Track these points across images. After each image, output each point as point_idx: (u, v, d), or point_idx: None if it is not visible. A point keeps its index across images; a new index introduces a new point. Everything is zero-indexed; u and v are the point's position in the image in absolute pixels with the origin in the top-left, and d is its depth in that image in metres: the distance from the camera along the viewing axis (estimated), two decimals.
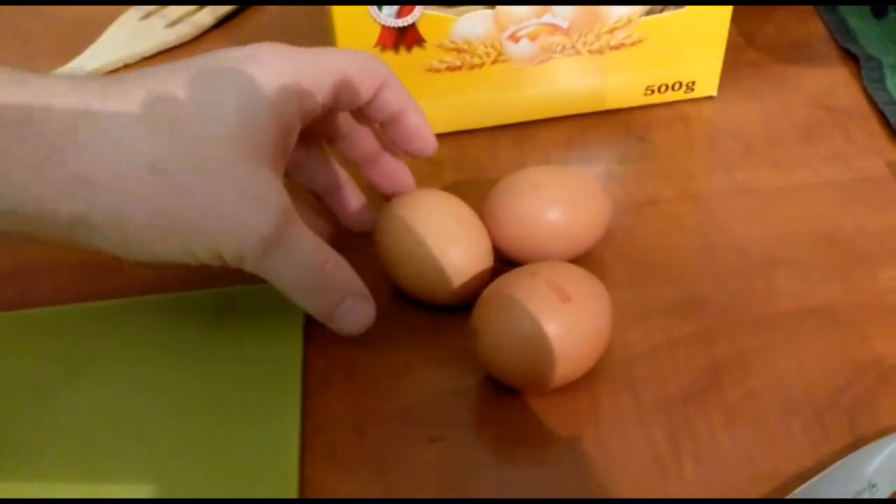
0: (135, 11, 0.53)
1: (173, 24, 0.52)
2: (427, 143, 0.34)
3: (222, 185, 0.27)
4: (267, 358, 0.32)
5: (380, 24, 0.38)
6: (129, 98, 0.28)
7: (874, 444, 0.28)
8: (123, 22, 0.52)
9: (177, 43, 0.51)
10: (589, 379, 0.31)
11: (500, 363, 0.30)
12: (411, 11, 0.38)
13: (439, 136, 0.35)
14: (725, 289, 0.35)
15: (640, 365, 0.32)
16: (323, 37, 0.44)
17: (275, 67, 0.29)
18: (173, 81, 0.28)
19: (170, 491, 0.28)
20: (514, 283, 0.30)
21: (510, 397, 0.31)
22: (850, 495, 0.27)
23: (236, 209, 0.28)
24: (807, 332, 0.33)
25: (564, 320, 0.29)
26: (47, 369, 0.32)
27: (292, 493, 0.28)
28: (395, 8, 0.38)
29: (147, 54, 0.50)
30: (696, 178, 0.40)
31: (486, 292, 0.30)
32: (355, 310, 0.31)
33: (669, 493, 0.28)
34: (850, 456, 0.28)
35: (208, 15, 0.52)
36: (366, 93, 0.32)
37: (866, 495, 0.27)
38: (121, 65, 0.50)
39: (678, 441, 0.29)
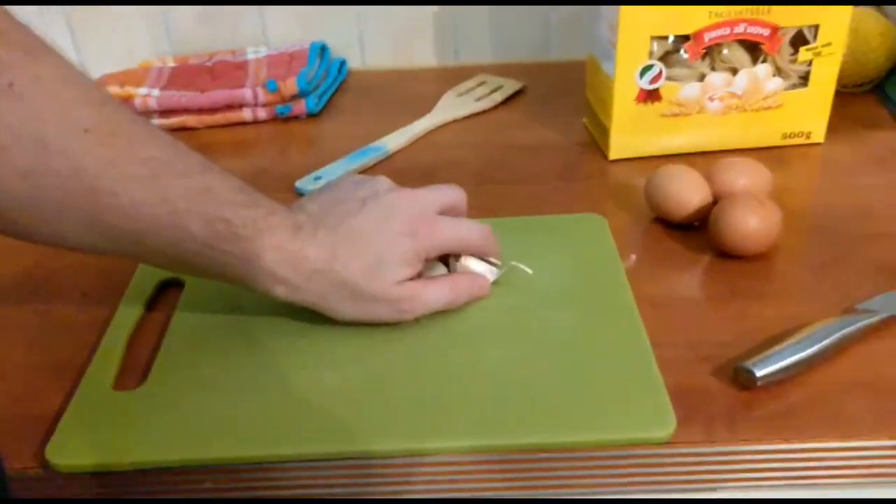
0: (453, 91, 0.86)
1: (479, 99, 0.85)
2: None
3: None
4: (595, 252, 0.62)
5: (640, 87, 0.70)
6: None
7: None
8: (447, 98, 0.85)
9: (478, 111, 0.84)
10: (770, 252, 0.60)
11: (726, 239, 0.59)
12: (659, 81, 0.70)
13: (664, 157, 0.66)
14: (836, 228, 0.64)
15: (796, 252, 0.61)
16: (581, 100, 0.76)
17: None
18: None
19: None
20: (738, 197, 0.60)
21: (729, 260, 0.60)
22: None
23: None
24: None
25: (761, 216, 0.59)
26: None
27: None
28: (649, 79, 0.70)
29: (463, 116, 0.83)
30: (809, 179, 0.70)
31: (721, 203, 0.60)
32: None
33: (814, 309, 0.56)
34: None
35: (499, 96, 0.86)
36: None
37: None
38: (450, 120, 0.82)
39: (824, 276, 0.58)
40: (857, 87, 0.82)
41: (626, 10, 0.67)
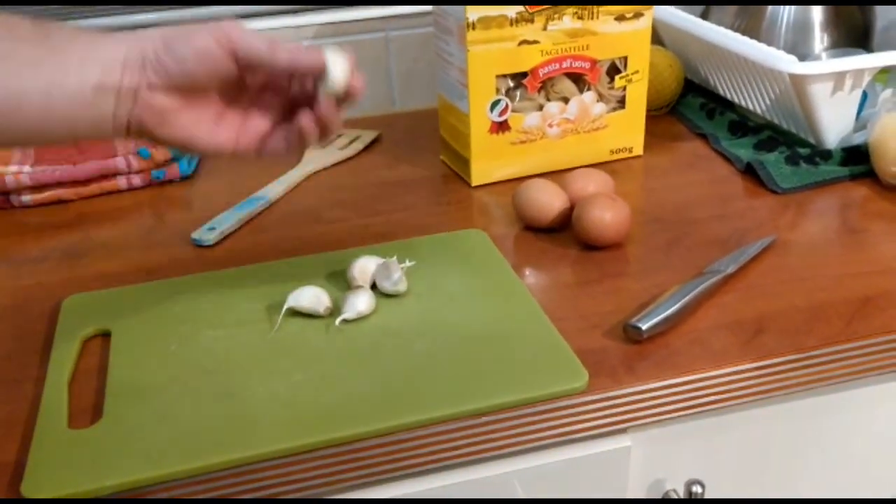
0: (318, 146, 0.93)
1: (342, 148, 0.93)
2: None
3: None
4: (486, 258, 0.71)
5: (491, 120, 0.81)
6: None
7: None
8: (311, 150, 0.92)
9: (344, 158, 0.92)
10: (624, 241, 0.72)
11: (587, 232, 0.70)
12: (506, 113, 0.81)
13: (516, 181, 0.77)
14: (668, 218, 0.77)
15: (643, 239, 0.73)
16: (431, 141, 0.86)
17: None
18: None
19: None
20: (592, 197, 0.71)
21: (593, 251, 0.71)
22: None
23: None
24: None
25: (615, 210, 0.70)
26: None
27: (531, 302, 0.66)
28: (498, 112, 0.80)
29: (332, 164, 0.90)
30: (638, 184, 0.83)
31: (581, 202, 0.71)
32: None
33: (670, 278, 0.68)
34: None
35: (360, 144, 0.94)
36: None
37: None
38: (321, 168, 0.89)
39: (670, 254, 0.70)
40: (658, 111, 0.98)
41: (473, 55, 0.78)
